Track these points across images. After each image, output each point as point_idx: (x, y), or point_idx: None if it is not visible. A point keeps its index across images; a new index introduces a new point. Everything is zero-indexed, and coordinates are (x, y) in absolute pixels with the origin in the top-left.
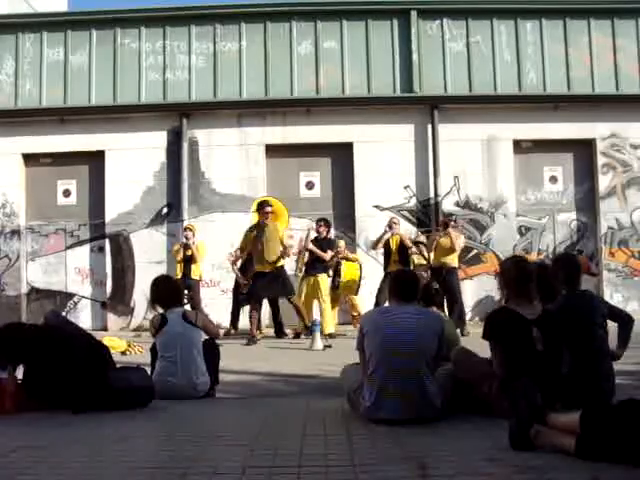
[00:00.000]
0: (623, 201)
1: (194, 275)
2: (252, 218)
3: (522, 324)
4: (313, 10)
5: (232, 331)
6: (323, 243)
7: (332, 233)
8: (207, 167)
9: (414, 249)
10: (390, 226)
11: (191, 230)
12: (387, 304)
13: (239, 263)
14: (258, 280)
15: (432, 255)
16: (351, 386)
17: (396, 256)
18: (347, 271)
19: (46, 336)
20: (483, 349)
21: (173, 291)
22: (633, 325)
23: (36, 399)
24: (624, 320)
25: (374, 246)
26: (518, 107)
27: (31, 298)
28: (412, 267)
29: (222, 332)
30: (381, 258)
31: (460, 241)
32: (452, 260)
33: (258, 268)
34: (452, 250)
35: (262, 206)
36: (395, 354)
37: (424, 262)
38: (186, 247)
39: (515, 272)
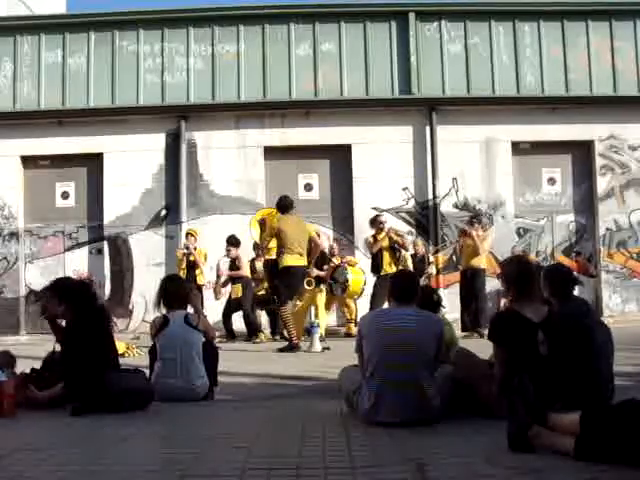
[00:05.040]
0: (621, 202)
1: (199, 282)
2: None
3: (527, 328)
4: (311, 12)
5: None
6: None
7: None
8: (205, 169)
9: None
10: (381, 224)
11: (193, 235)
12: (385, 306)
13: (223, 278)
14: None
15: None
16: (350, 388)
17: (389, 257)
18: (353, 279)
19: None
20: (483, 351)
21: (181, 293)
22: None
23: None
24: None
25: (371, 251)
26: (516, 109)
27: (29, 300)
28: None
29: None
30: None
31: (486, 243)
32: (477, 262)
33: (294, 262)
34: (477, 252)
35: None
36: (394, 356)
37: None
38: (189, 254)
39: (517, 272)
